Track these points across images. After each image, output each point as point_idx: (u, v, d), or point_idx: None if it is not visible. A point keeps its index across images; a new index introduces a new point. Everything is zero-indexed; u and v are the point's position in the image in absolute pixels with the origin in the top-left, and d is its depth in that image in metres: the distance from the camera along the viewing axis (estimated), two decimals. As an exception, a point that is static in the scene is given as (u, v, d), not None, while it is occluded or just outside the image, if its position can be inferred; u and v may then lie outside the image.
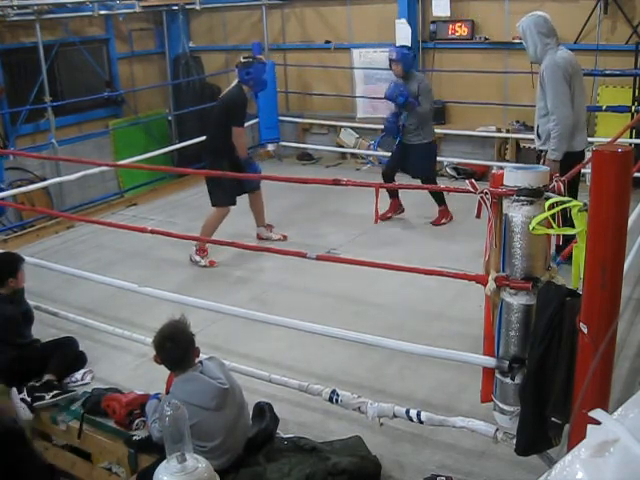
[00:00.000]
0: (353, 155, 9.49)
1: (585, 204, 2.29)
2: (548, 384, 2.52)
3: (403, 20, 8.38)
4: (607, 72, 7.33)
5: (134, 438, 3.47)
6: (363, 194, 5.79)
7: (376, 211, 3.56)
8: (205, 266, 5.85)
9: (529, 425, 2.65)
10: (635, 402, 1.01)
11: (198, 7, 9.37)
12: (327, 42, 9.47)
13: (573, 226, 2.39)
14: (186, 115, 9.52)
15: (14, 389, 3.84)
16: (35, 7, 7.67)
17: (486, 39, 8.20)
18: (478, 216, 2.79)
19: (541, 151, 5.07)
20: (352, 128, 9.39)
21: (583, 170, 6.02)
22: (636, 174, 3.54)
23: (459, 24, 8.39)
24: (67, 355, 4.12)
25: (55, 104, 8.30)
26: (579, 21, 7.50)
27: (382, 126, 8.95)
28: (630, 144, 6.45)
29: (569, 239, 3.47)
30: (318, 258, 3.57)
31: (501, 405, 2.85)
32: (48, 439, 3.99)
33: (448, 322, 4.65)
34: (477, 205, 2.73)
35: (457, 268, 4.59)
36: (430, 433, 3.40)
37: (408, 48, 6.77)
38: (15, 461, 2.32)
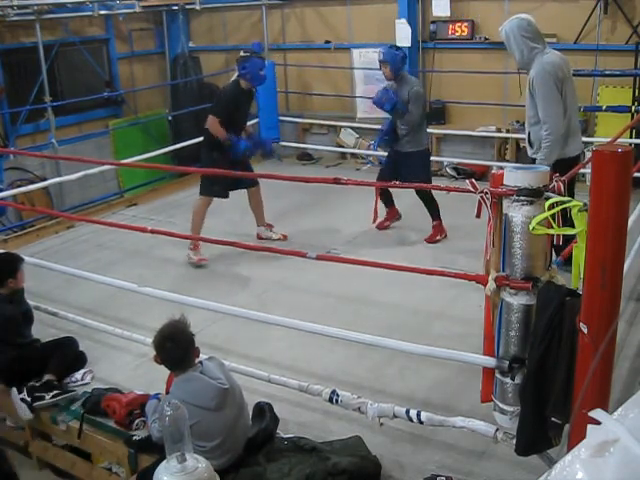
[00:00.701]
0: (353, 155, 9.50)
1: (585, 204, 2.29)
2: (548, 384, 2.52)
3: (403, 20, 8.38)
4: (607, 72, 7.33)
5: (134, 438, 3.47)
6: (363, 194, 5.82)
7: (375, 211, 3.56)
8: (193, 262, 5.84)
9: (529, 425, 2.65)
10: (635, 402, 1.01)
11: (198, 7, 9.37)
12: (327, 42, 9.48)
13: (573, 226, 2.39)
14: (185, 115, 9.52)
15: (14, 389, 3.85)
16: (35, 7, 7.67)
17: (486, 39, 8.19)
18: (478, 216, 2.79)
19: (534, 159, 4.82)
20: (352, 128, 9.40)
21: (583, 170, 6.03)
22: (636, 174, 3.54)
23: (459, 24, 8.38)
24: (67, 355, 4.12)
25: (55, 104, 8.30)
26: (579, 21, 7.50)
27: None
28: (630, 144, 6.45)
29: (569, 239, 3.48)
30: (318, 258, 3.57)
31: (501, 405, 2.85)
32: (48, 439, 3.99)
33: (448, 322, 4.65)
34: (477, 205, 2.73)
35: (457, 268, 4.59)
36: (430, 433, 3.40)
37: (397, 48, 6.25)
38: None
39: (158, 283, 4.67)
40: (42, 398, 3.80)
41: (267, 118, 8.99)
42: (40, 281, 5.10)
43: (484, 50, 8.29)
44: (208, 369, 3.09)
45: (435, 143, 8.83)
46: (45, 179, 7.77)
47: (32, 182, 7.84)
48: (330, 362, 4.18)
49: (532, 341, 2.61)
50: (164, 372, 3.22)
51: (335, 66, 9.34)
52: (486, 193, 2.68)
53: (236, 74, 6.00)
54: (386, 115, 6.45)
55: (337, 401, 3.29)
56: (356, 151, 9.40)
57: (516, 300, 2.71)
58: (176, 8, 9.66)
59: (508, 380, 2.80)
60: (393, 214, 6.56)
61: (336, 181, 3.70)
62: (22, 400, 3.79)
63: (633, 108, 7.18)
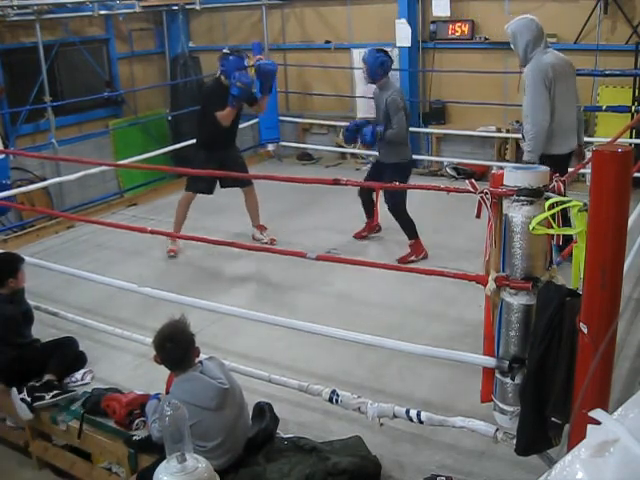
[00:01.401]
0: (353, 155, 9.49)
1: (585, 204, 2.29)
2: (548, 384, 2.52)
3: (403, 20, 8.38)
4: (607, 72, 7.33)
5: (134, 438, 3.47)
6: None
7: (376, 211, 3.56)
8: (168, 251, 6.11)
9: (529, 425, 2.65)
10: (635, 402, 1.01)
11: (198, 7, 9.37)
12: (327, 42, 9.48)
13: (571, 225, 2.39)
14: (185, 115, 9.52)
15: (14, 389, 3.85)
16: (35, 7, 7.67)
17: (486, 39, 8.19)
18: (478, 216, 2.79)
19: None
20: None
21: (583, 170, 6.03)
22: (636, 174, 3.54)
23: (459, 24, 8.38)
24: (67, 355, 4.12)
25: (55, 104, 8.30)
26: (579, 21, 7.50)
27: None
28: (630, 144, 6.46)
29: (569, 239, 3.48)
30: (318, 258, 3.57)
31: (501, 405, 2.85)
32: (48, 439, 3.99)
33: (448, 322, 4.65)
34: (477, 205, 2.73)
35: (457, 268, 4.59)
36: (430, 433, 3.41)
37: (383, 52, 5.80)
38: None
39: (158, 283, 4.67)
40: (42, 398, 3.80)
41: (267, 118, 8.99)
42: (40, 281, 5.10)
43: (484, 50, 8.29)
44: (208, 369, 3.09)
45: (435, 143, 8.84)
46: (45, 179, 7.77)
47: (32, 182, 7.84)
48: (330, 362, 4.18)
49: (532, 341, 2.61)
50: (164, 372, 3.22)
51: (335, 66, 9.34)
52: (486, 193, 2.68)
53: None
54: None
55: (337, 401, 3.29)
56: (356, 151, 9.39)
57: (516, 300, 2.71)
58: (176, 8, 9.66)
59: (508, 380, 2.80)
60: (372, 226, 6.25)
61: (336, 182, 3.70)
62: (22, 400, 3.79)
63: (633, 108, 7.19)
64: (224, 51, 6.14)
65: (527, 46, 4.88)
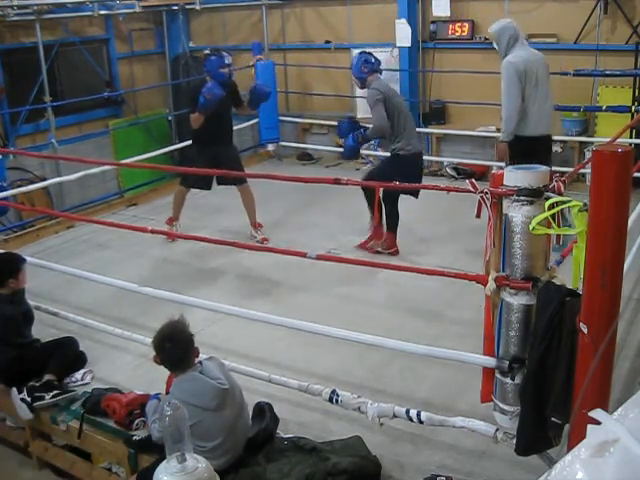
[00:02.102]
0: (353, 155, 9.47)
1: (585, 204, 2.29)
2: (548, 384, 2.52)
3: (403, 20, 8.38)
4: (607, 72, 7.33)
5: (134, 438, 3.47)
6: (362, 194, 5.81)
7: (376, 211, 3.56)
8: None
9: (529, 425, 2.65)
10: (635, 402, 1.01)
11: (198, 7, 9.37)
12: (327, 42, 9.48)
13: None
14: (185, 115, 9.51)
15: (14, 389, 3.85)
16: (35, 7, 7.67)
17: (486, 39, 8.15)
18: (478, 216, 2.79)
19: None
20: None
21: (583, 170, 6.03)
22: (636, 174, 3.54)
23: (459, 24, 8.38)
24: (67, 355, 4.12)
25: (55, 104, 8.30)
26: (579, 21, 7.50)
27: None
28: (630, 144, 6.45)
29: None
30: (318, 258, 3.57)
31: (501, 405, 2.85)
32: (48, 439, 3.99)
33: (448, 322, 4.65)
34: (477, 205, 2.73)
35: (457, 268, 4.59)
36: (430, 433, 3.40)
37: (368, 54, 5.83)
38: None
39: (158, 283, 4.67)
40: (42, 398, 3.80)
41: (267, 118, 8.99)
42: (40, 281, 5.10)
43: (484, 50, 8.26)
44: (208, 369, 3.09)
45: (435, 143, 8.84)
46: (45, 179, 7.76)
47: (32, 182, 7.84)
48: (330, 362, 4.18)
49: (532, 341, 2.61)
50: (164, 372, 3.22)
51: (335, 66, 9.34)
52: (486, 193, 2.68)
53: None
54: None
55: (337, 401, 3.29)
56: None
57: (516, 300, 2.71)
58: (176, 8, 9.65)
59: (508, 380, 2.80)
60: (378, 232, 5.98)
61: (336, 181, 3.70)
62: (22, 400, 3.78)
63: (633, 108, 7.18)
64: (205, 52, 6.38)
65: (508, 44, 5.44)
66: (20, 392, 3.81)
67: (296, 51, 9.79)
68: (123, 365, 4.32)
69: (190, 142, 6.58)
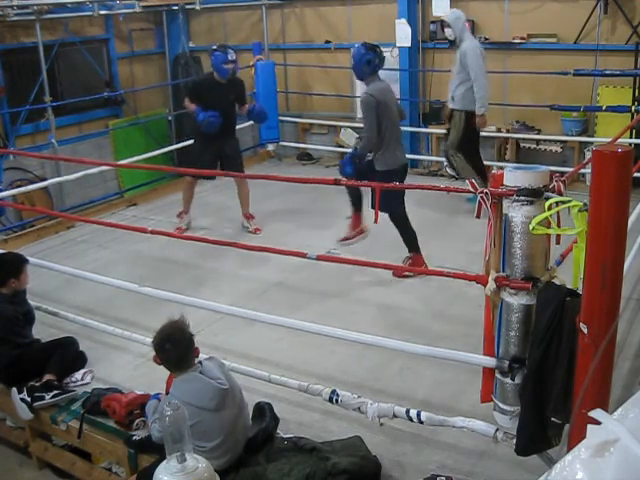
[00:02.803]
0: (353, 155, 9.47)
1: (585, 204, 2.29)
2: (548, 384, 2.53)
3: (403, 20, 8.37)
4: (607, 72, 7.33)
5: (134, 438, 3.47)
6: (363, 194, 5.80)
7: (376, 211, 3.56)
8: (180, 227, 6.65)
9: (529, 425, 2.65)
10: (635, 402, 1.01)
11: (198, 7, 9.36)
12: (327, 42, 9.47)
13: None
14: (185, 115, 9.51)
15: (14, 389, 3.85)
16: (35, 7, 7.67)
17: (486, 39, 8.18)
18: (478, 216, 2.79)
19: (453, 110, 6.83)
20: (352, 128, 9.39)
21: (583, 170, 6.03)
22: (636, 174, 3.54)
23: (459, 24, 8.36)
24: (67, 355, 4.12)
25: (55, 104, 8.29)
26: (579, 21, 7.49)
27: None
28: (630, 144, 6.46)
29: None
30: (318, 258, 3.57)
31: (501, 405, 2.85)
32: (48, 439, 3.99)
33: (448, 322, 4.65)
34: (477, 205, 2.73)
35: (457, 268, 4.59)
36: (430, 433, 3.40)
37: (372, 49, 5.38)
38: None
39: (158, 283, 4.67)
40: (42, 398, 3.80)
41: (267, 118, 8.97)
42: (40, 281, 5.10)
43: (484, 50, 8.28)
44: (208, 369, 3.09)
45: (435, 143, 8.83)
46: (45, 179, 7.76)
47: (32, 182, 7.83)
48: (330, 362, 4.18)
49: (532, 341, 2.61)
50: (164, 372, 3.22)
51: (335, 66, 9.34)
52: (486, 193, 2.68)
53: None
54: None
55: (337, 401, 3.29)
56: (356, 151, 9.38)
57: (516, 300, 2.71)
58: (176, 8, 9.64)
59: (508, 380, 2.80)
60: (358, 227, 5.82)
61: (336, 182, 3.70)
62: (22, 400, 3.79)
63: (633, 108, 7.18)
64: (212, 47, 6.49)
65: (462, 31, 6.54)
66: (20, 392, 3.81)
67: (296, 51, 9.78)
68: (123, 365, 4.32)
69: (193, 137, 6.89)
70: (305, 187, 6.04)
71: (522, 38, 7.92)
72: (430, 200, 6.63)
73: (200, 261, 5.96)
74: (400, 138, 5.55)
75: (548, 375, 2.52)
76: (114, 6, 8.94)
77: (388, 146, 5.33)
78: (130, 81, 10.03)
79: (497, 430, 2.89)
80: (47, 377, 3.92)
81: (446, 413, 3.19)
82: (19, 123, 8.39)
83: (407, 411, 3.11)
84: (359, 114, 9.25)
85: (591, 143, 7.44)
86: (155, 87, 10.18)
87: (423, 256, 5.38)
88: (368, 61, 5.34)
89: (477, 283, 2.92)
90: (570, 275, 2.60)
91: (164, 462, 2.18)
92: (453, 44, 6.63)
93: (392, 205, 5.09)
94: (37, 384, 3.88)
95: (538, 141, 8.04)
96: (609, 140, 4.55)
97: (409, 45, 8.45)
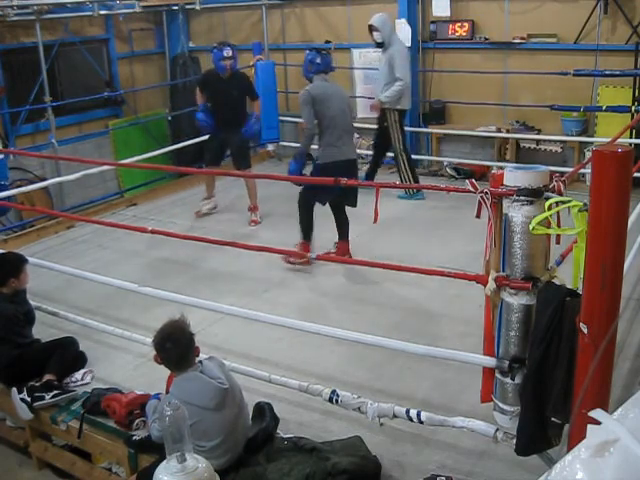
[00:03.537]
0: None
1: (585, 204, 2.29)
2: (548, 384, 2.52)
3: (403, 20, 8.37)
4: (607, 72, 7.33)
5: (134, 438, 3.47)
6: (362, 194, 5.80)
7: (376, 211, 3.56)
8: (205, 213, 7.14)
9: (529, 425, 2.65)
10: (635, 402, 1.01)
11: (198, 7, 9.36)
12: (327, 42, 9.46)
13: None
14: (184, 115, 9.52)
15: (14, 389, 3.85)
16: (35, 7, 7.67)
17: (486, 39, 8.19)
18: (478, 216, 2.79)
19: (384, 109, 7.30)
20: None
21: (583, 170, 6.03)
22: (636, 174, 3.54)
23: (459, 24, 8.37)
24: (67, 355, 4.12)
25: (55, 104, 8.30)
26: (579, 21, 7.49)
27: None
28: (630, 144, 6.46)
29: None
30: (318, 258, 3.58)
31: (501, 405, 2.85)
32: (48, 439, 3.99)
33: (448, 322, 4.65)
34: (477, 205, 2.73)
35: (457, 268, 4.59)
36: (430, 433, 3.40)
37: (318, 51, 5.95)
38: None
39: (158, 283, 4.67)
40: (42, 398, 3.80)
41: (267, 118, 8.96)
42: (40, 281, 5.10)
43: (484, 50, 8.29)
44: (208, 369, 3.09)
45: (435, 143, 8.84)
46: (45, 179, 7.76)
47: (32, 182, 7.84)
48: (330, 362, 4.18)
49: (532, 341, 2.61)
50: (164, 372, 3.22)
51: (335, 66, 9.31)
52: (486, 193, 2.68)
53: None
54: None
55: (337, 401, 3.29)
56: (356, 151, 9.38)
57: (516, 300, 2.71)
58: (176, 8, 9.65)
59: (508, 380, 2.80)
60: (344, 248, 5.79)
61: (336, 182, 3.70)
62: (22, 400, 3.79)
63: (633, 108, 7.18)
64: (214, 44, 6.79)
65: (390, 34, 7.15)
66: (20, 392, 3.81)
67: (296, 51, 9.77)
68: (123, 365, 4.32)
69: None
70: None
71: (522, 38, 7.92)
72: (430, 200, 6.63)
73: (200, 261, 5.96)
74: (345, 136, 5.69)
75: (548, 375, 2.52)
76: (114, 6, 8.95)
77: (328, 142, 5.57)
78: (130, 81, 10.03)
79: (497, 430, 2.89)
80: (47, 377, 3.92)
81: (446, 413, 3.19)
82: (19, 123, 8.39)
83: (407, 411, 3.11)
84: (359, 114, 9.30)
85: (591, 143, 7.44)
86: (155, 87, 10.19)
87: (311, 247, 5.52)
88: (311, 61, 5.87)
89: (477, 283, 2.91)
90: (570, 275, 2.60)
91: (164, 462, 2.18)
92: (381, 46, 7.22)
93: (306, 192, 5.52)
94: (37, 384, 3.88)
95: (538, 141, 8.04)
96: (609, 140, 4.55)
97: (409, 45, 8.43)
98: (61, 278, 5.15)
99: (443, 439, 3.39)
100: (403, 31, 8.33)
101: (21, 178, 8.11)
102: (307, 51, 6.02)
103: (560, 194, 2.60)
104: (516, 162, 7.68)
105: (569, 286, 2.58)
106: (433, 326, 4.61)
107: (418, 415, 3.08)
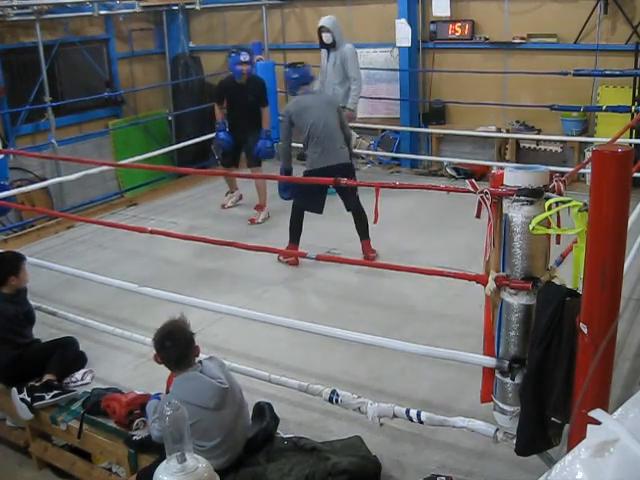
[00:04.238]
0: (352, 155, 9.47)
1: (585, 204, 2.29)
2: (548, 384, 2.53)
3: (403, 20, 8.37)
4: (607, 72, 7.33)
5: (134, 438, 3.47)
6: (362, 194, 5.81)
7: (376, 211, 3.56)
8: (230, 206, 7.39)
9: (529, 425, 2.65)
10: (635, 402, 1.01)
11: (198, 7, 9.36)
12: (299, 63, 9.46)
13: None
14: (185, 115, 9.52)
15: (14, 389, 3.85)
16: (35, 7, 7.67)
17: (486, 39, 8.19)
18: (478, 216, 2.79)
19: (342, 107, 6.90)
20: (352, 128, 9.37)
21: (583, 170, 6.03)
22: (636, 174, 3.54)
23: (459, 24, 8.37)
24: (67, 355, 4.12)
25: (55, 104, 8.30)
26: (579, 21, 7.49)
27: (381, 126, 9.01)
28: (630, 144, 6.45)
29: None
30: (318, 258, 3.58)
31: (501, 405, 2.85)
32: (48, 439, 3.99)
33: (448, 322, 4.65)
34: (477, 205, 2.73)
35: (457, 268, 4.59)
36: (430, 433, 3.40)
37: (297, 68, 6.08)
38: None
39: (158, 283, 4.67)
40: (42, 398, 3.80)
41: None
42: (40, 281, 5.10)
43: (484, 50, 8.29)
44: (208, 368, 3.09)
45: (435, 143, 8.84)
46: (45, 179, 7.76)
47: (32, 182, 7.83)
48: (330, 362, 4.18)
49: (532, 341, 2.61)
50: (164, 372, 3.22)
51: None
52: (486, 193, 2.68)
53: None
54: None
55: (337, 401, 3.29)
56: (356, 151, 9.38)
57: (516, 300, 2.71)
58: (176, 8, 9.65)
59: (508, 380, 2.80)
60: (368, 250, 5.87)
61: (336, 182, 3.70)
62: (22, 400, 3.79)
63: (633, 108, 7.18)
64: (232, 50, 6.89)
65: (341, 35, 7.48)
66: (20, 392, 3.82)
67: (296, 51, 9.77)
68: (123, 365, 4.32)
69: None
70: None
71: (522, 38, 7.91)
72: (430, 200, 6.63)
73: (200, 261, 5.96)
74: (327, 142, 5.73)
75: (548, 375, 2.52)
76: (114, 6, 8.95)
77: (312, 150, 5.76)
78: (130, 81, 10.02)
79: (497, 430, 2.89)
80: (47, 377, 3.92)
81: (446, 413, 3.19)
82: (19, 123, 8.39)
83: (407, 411, 3.11)
84: (359, 114, 9.29)
85: (591, 143, 7.44)
86: (155, 87, 10.18)
87: (298, 249, 5.59)
88: (288, 78, 6.10)
89: (477, 283, 2.91)
90: (570, 275, 2.60)
91: (164, 462, 2.18)
92: (332, 47, 7.50)
93: (297, 195, 5.81)
94: (37, 384, 3.88)
95: (538, 141, 8.03)
96: (609, 140, 4.55)
97: (409, 45, 8.45)
98: (61, 278, 5.15)
99: (443, 439, 3.39)
100: (403, 31, 8.34)
101: (21, 178, 8.10)
102: (288, 67, 6.26)
103: (560, 194, 2.60)
104: (516, 162, 7.68)
105: (569, 286, 2.58)
106: (433, 326, 4.61)
107: (418, 415, 3.08)
